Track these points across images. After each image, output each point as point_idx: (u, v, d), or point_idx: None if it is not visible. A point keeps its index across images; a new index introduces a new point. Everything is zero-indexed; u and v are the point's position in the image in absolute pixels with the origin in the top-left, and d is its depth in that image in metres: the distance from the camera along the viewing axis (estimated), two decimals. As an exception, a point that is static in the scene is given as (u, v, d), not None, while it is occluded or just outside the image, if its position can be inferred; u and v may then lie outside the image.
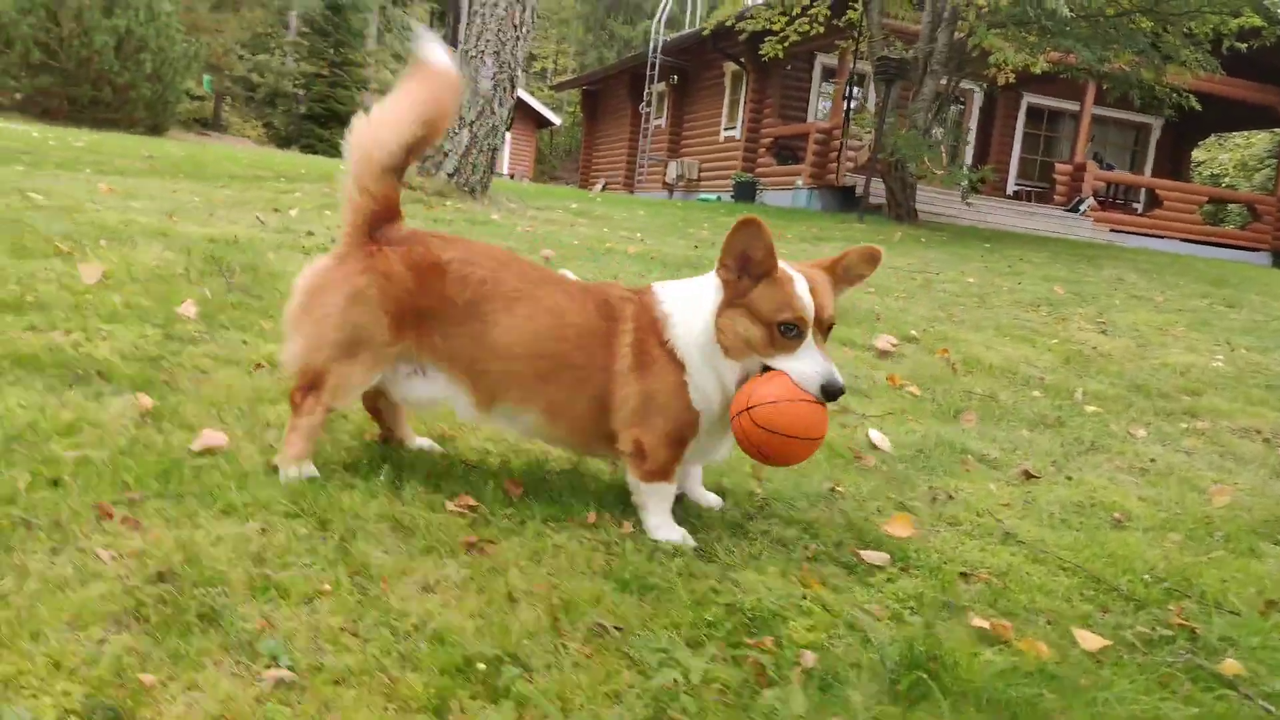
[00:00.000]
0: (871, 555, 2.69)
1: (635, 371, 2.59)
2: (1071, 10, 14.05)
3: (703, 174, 26.48)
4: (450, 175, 10.53)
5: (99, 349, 3.24)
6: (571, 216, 11.27)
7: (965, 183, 16.99)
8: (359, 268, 2.61)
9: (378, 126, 2.62)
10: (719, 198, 23.27)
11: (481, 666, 1.87)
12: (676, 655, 2.04)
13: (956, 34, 15.46)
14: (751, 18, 19.67)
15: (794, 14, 18.51)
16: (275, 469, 2.59)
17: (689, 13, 30.75)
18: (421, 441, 3.04)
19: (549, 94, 47.66)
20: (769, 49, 19.47)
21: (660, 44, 26.74)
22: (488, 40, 10.55)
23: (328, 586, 2.07)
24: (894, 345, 5.63)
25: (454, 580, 2.21)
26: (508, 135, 37.47)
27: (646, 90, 27.40)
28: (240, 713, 1.64)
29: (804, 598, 2.38)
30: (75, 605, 1.84)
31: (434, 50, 2.69)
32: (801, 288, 2.43)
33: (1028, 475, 3.65)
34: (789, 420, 2.39)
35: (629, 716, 1.81)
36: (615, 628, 2.11)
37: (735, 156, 24.72)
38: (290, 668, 1.79)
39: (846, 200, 19.81)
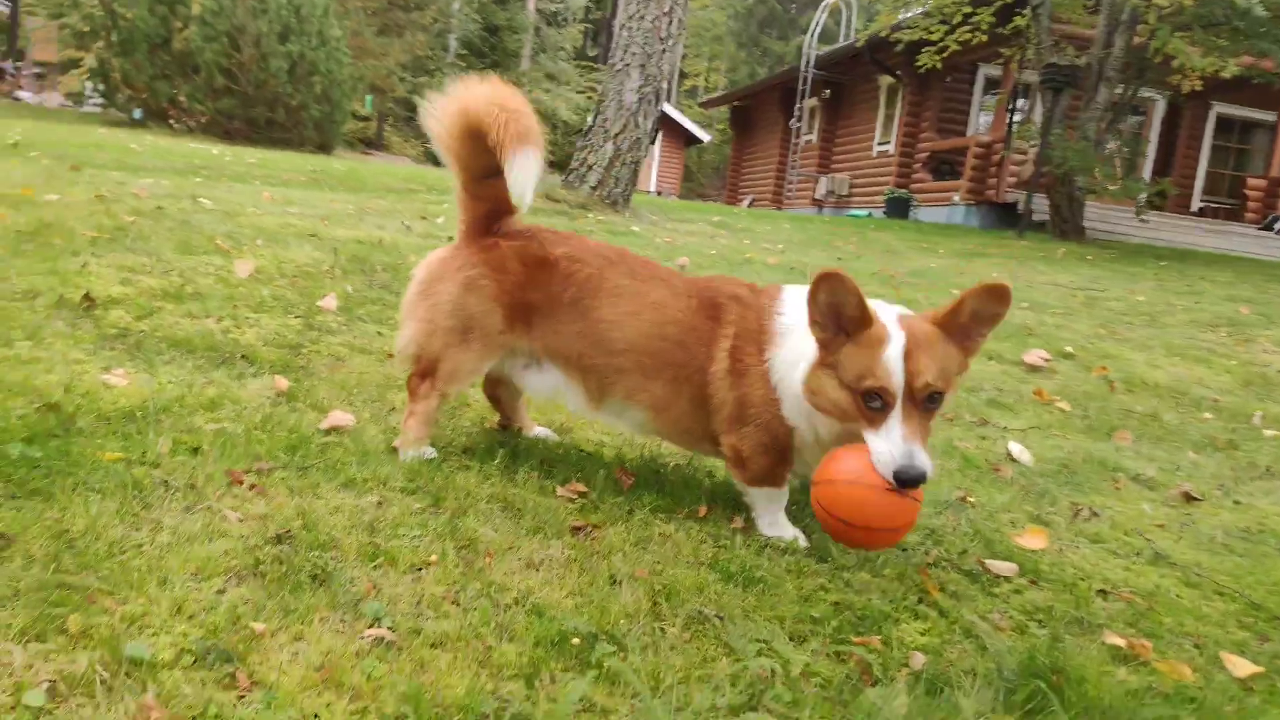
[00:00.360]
0: (999, 565, 2.54)
1: (731, 377, 2.50)
2: (1267, 9, 12.98)
3: (854, 190, 25.97)
4: (593, 188, 10.69)
5: (245, 335, 3.43)
6: (713, 229, 11.26)
7: (1142, 197, 15.96)
8: (474, 259, 2.67)
9: None
10: (869, 214, 22.77)
11: (576, 641, 1.86)
12: (777, 647, 1.98)
13: (1135, 38, 14.60)
14: (909, 28, 19.13)
15: (954, 23, 17.86)
16: (396, 450, 2.67)
17: (843, 25, 30.28)
18: (539, 430, 3.07)
19: (698, 111, 47.94)
20: (926, 60, 18.86)
21: (813, 58, 26.44)
22: (634, 53, 10.68)
23: (434, 557, 2.10)
24: (1045, 360, 5.34)
25: (557, 560, 2.21)
26: (656, 152, 37.97)
27: (797, 105, 27.11)
28: (339, 665, 1.67)
29: (920, 601, 2.26)
30: (201, 558, 1.93)
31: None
32: (891, 350, 2.12)
33: (1188, 497, 3.37)
34: (851, 508, 2.15)
35: (721, 700, 1.75)
36: (716, 616, 2.06)
37: (888, 172, 24.12)
38: (390, 628, 1.82)
39: (1006, 217, 18.98)
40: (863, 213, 23.27)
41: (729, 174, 36.34)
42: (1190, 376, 5.47)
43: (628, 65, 10.83)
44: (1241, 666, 2.09)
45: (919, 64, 19.32)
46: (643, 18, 10.92)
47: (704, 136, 43.18)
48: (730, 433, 2.51)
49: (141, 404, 2.62)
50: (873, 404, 2.15)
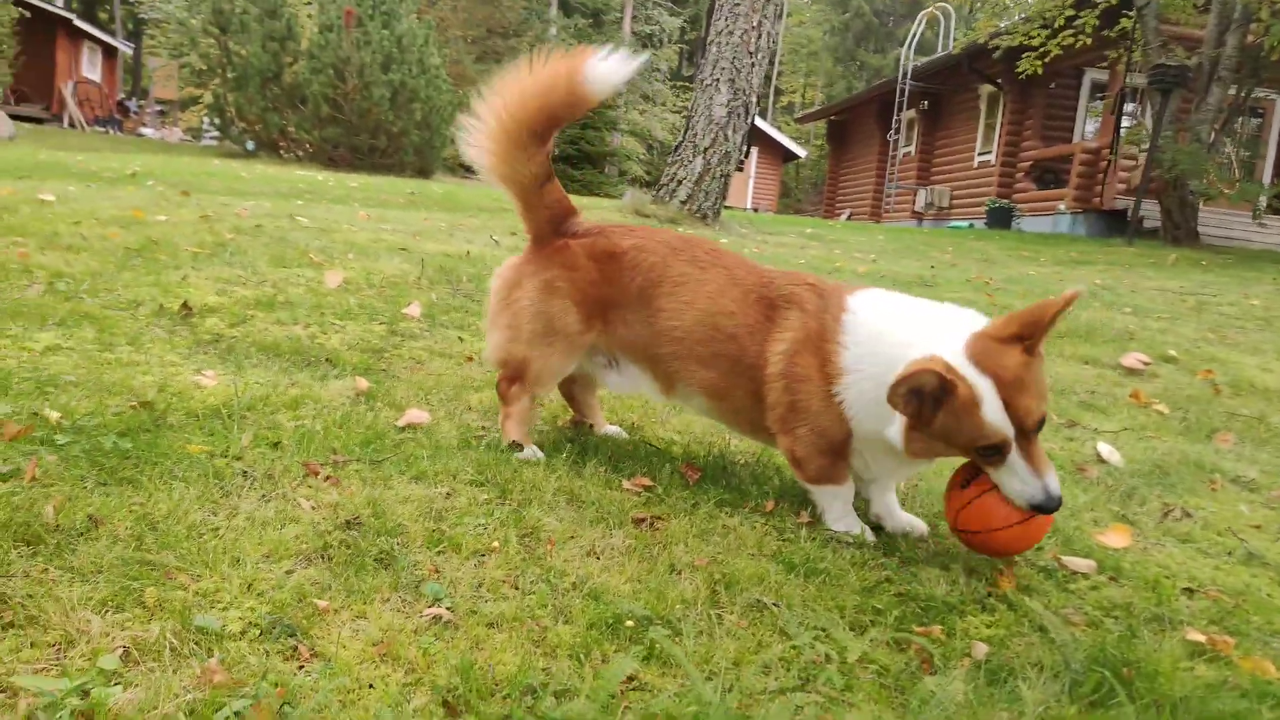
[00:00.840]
0: (1076, 562, 2.45)
1: (784, 379, 2.46)
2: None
3: (954, 201, 25.41)
4: (683, 202, 10.74)
5: (330, 340, 3.58)
6: (804, 240, 11.18)
7: (1261, 200, 15.19)
8: (547, 262, 2.73)
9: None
10: (970, 225, 22.23)
11: (630, 624, 1.88)
12: (834, 634, 1.96)
13: (1249, 37, 13.96)
14: (1008, 34, 18.69)
15: (1056, 26, 17.37)
16: (469, 443, 2.73)
17: (941, 35, 29.75)
18: (611, 429, 3.11)
19: (794, 128, 47.67)
20: (1026, 65, 18.37)
21: (910, 69, 26.05)
22: (723, 68, 10.72)
23: (496, 544, 2.15)
24: (1145, 364, 5.13)
25: (618, 548, 2.23)
26: (751, 169, 37.91)
27: (895, 118, 26.71)
28: (397, 640, 1.73)
29: (989, 595, 2.20)
30: (272, 542, 2.02)
31: None
32: (992, 407, 2.08)
33: (1290, 498, 3.19)
34: (1008, 545, 2.27)
35: (771, 683, 1.74)
36: (774, 604, 2.05)
37: (990, 182, 23.53)
38: (449, 609, 1.87)
39: (1115, 225, 18.26)
40: (964, 224, 22.74)
41: (826, 188, 36.03)
42: (1304, 380, 5.17)
43: (717, 80, 10.87)
44: (1332, 665, 1.98)
45: (1019, 70, 18.83)
46: (732, 33, 10.96)
47: (800, 152, 42.95)
48: (784, 434, 2.50)
49: (227, 402, 2.75)
50: (992, 456, 2.16)
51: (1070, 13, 17.04)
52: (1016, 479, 2.14)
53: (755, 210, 33.08)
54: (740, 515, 2.51)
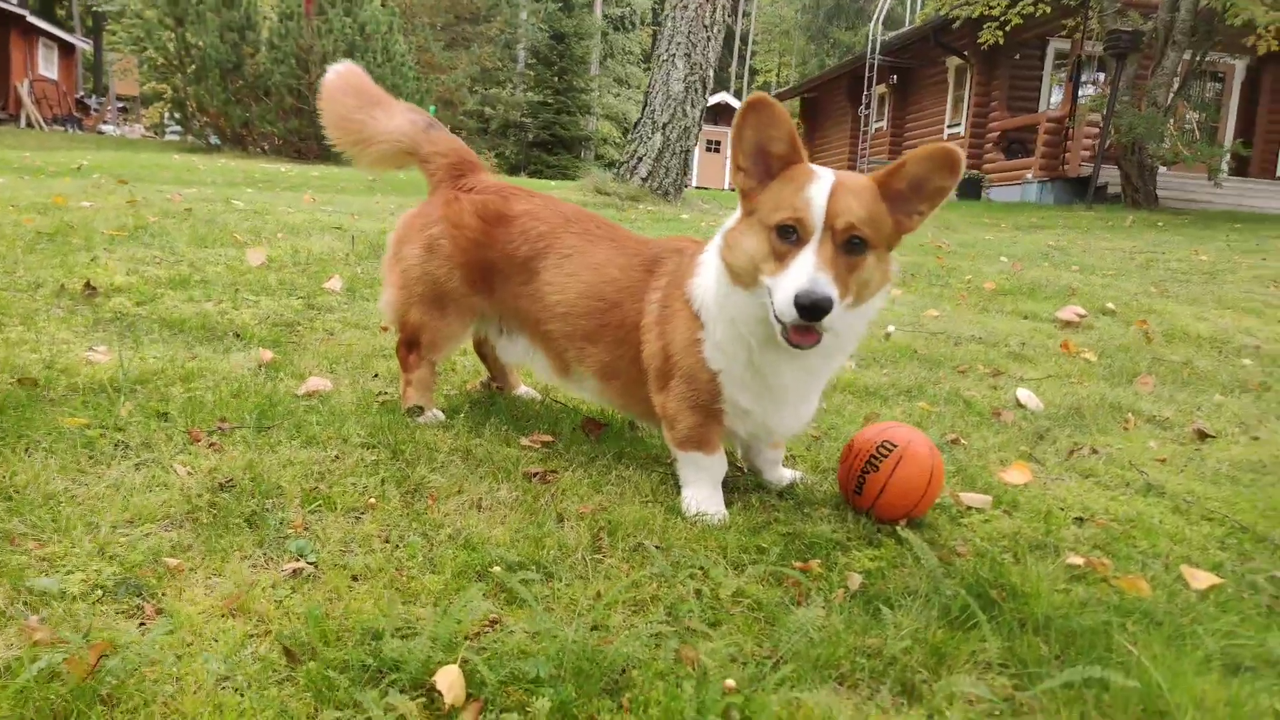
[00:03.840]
0: (972, 498, 2.45)
1: (657, 326, 2.33)
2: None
3: (924, 174, 25.42)
4: (644, 179, 10.69)
5: (242, 315, 3.52)
6: (765, 213, 11.13)
7: (1221, 160, 15.25)
8: (435, 215, 2.64)
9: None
10: (940, 196, 22.22)
11: (497, 569, 1.84)
12: (712, 573, 1.94)
13: (1203, 3, 13.99)
14: (969, 3, 18.68)
15: (1015, -5, 17.40)
16: (368, 409, 2.69)
17: (907, 9, 29.69)
18: (525, 390, 3.07)
19: (769, 107, 47.44)
20: (988, 35, 18.39)
21: (879, 44, 26.00)
22: (679, 43, 10.66)
23: (374, 500, 2.12)
24: (1080, 316, 5.14)
25: (505, 501, 2.20)
26: (726, 150, 37.73)
27: (865, 93, 26.69)
28: (252, 594, 1.70)
29: (878, 531, 2.19)
30: (137, 507, 1.98)
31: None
32: (816, 187, 1.93)
33: (1202, 435, 3.21)
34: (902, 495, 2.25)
35: (639, 621, 1.72)
36: (656, 546, 2.03)
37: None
38: (313, 563, 1.84)
39: (1081, 192, 18.33)
40: (932, 196, 22.72)
41: (798, 166, 35.95)
42: (1237, 327, 5.21)
43: (673, 55, 10.80)
44: (1202, 579, 1.98)
45: (981, 40, 18.85)
46: (686, 7, 10.88)
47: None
48: (660, 391, 2.35)
49: (116, 377, 2.69)
50: (789, 239, 1.93)
51: (1028, -20, 17.07)
52: (791, 276, 1.90)
53: (733, 190, 32.98)
54: (643, 468, 2.49)
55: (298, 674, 1.47)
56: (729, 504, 2.30)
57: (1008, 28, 18.11)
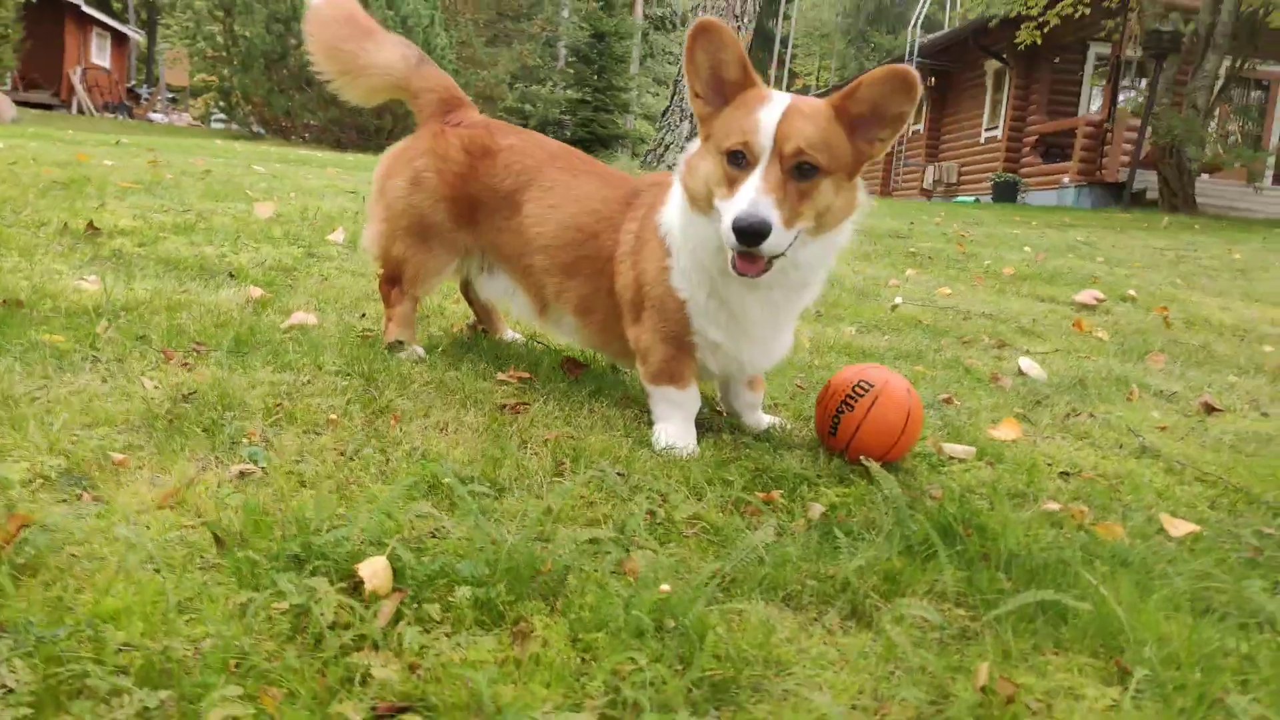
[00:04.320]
0: (955, 449, 2.39)
1: (630, 256, 2.31)
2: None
3: (962, 177, 25.15)
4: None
5: (240, 258, 3.53)
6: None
7: (1269, 165, 14.90)
8: (421, 148, 2.63)
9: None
10: (977, 200, 21.99)
11: (446, 481, 1.81)
12: (670, 498, 1.89)
13: (1245, 7, 13.70)
14: (1005, 3, 18.41)
15: (1054, -5, 17.12)
16: (348, 341, 2.67)
17: (946, 13, 29.43)
18: (512, 335, 3.04)
19: (808, 110, 47.17)
20: (1025, 35, 18.12)
21: (917, 47, 25.77)
22: (708, 31, 10.60)
23: (335, 416, 2.10)
24: (1098, 300, 5.03)
25: (471, 425, 2.17)
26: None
27: (902, 95, 26.46)
28: (193, 490, 1.68)
29: (850, 472, 2.14)
30: (97, 411, 1.97)
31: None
32: (767, 110, 1.90)
33: (1209, 408, 3.11)
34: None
35: (584, 536, 1.68)
36: (618, 473, 1.99)
37: (997, 158, 23.25)
38: (263, 468, 1.82)
39: (1119, 197, 18.03)
40: (970, 199, 22.50)
41: (834, 169, 35.81)
42: (1262, 318, 5.07)
43: (702, 45, 10.76)
44: (1181, 528, 1.91)
45: (1018, 41, 18.59)
46: (715, -4, 10.87)
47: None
48: (633, 323, 2.32)
49: (101, 303, 2.70)
50: (739, 164, 1.90)
51: (1068, -20, 16.81)
52: (734, 202, 1.88)
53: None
54: (611, 403, 2.45)
55: (225, 560, 1.45)
56: (701, 442, 2.26)
57: (1046, 29, 17.83)
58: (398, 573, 1.45)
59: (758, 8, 11.21)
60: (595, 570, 1.55)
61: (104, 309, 2.66)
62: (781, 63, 57.87)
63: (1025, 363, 3.41)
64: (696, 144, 2.12)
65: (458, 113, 2.72)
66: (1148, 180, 15.65)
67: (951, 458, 2.34)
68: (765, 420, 2.47)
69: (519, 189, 2.53)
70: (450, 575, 1.46)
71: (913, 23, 26.89)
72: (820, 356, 3.22)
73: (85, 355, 2.28)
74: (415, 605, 1.39)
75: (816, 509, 1.89)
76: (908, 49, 26.17)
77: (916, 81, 1.91)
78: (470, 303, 3.04)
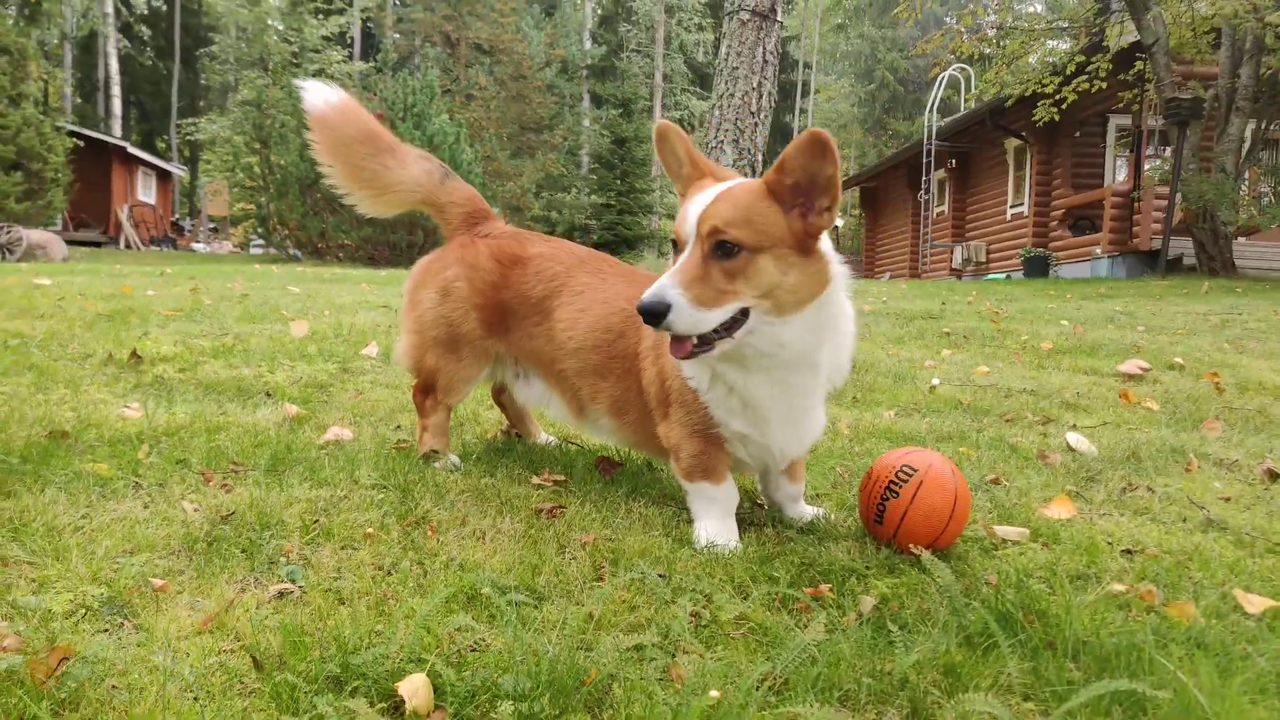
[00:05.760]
0: (1007, 530, 2.31)
1: (651, 352, 2.32)
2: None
3: (991, 255, 25.15)
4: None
5: (276, 377, 3.57)
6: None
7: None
8: (451, 259, 2.68)
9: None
10: (1008, 276, 21.92)
11: (487, 590, 1.77)
12: (715, 598, 1.84)
13: (1265, 70, 13.79)
14: (1020, 82, 18.65)
15: (1068, 72, 17.32)
16: (384, 453, 2.68)
17: (962, 96, 29.92)
18: (545, 438, 3.03)
19: (832, 199, 47.82)
20: (1042, 113, 18.30)
21: (935, 130, 26.13)
22: (726, 130, 10.81)
23: (372, 530, 2.08)
24: (1144, 369, 4.92)
25: (508, 533, 2.15)
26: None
27: (925, 178, 26.71)
28: (232, 613, 1.66)
29: (900, 561, 2.07)
30: (139, 538, 1.97)
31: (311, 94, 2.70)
32: (697, 199, 2.00)
33: (1272, 475, 2.99)
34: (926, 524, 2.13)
35: (627, 643, 1.62)
36: (659, 575, 1.94)
37: (1024, 233, 23.28)
38: (301, 587, 1.80)
39: (1153, 265, 17.88)
40: (1000, 276, 22.44)
41: (864, 251, 35.99)
42: (1319, 376, 4.92)
43: (721, 142, 10.95)
44: (1257, 603, 1.81)
45: (1036, 118, 18.77)
46: (733, 95, 11.10)
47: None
48: (662, 420, 2.31)
49: (144, 430, 2.74)
50: (677, 251, 2.01)
51: (1081, 59, 17.02)
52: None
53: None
54: (648, 501, 2.41)
55: (264, 685, 1.42)
56: (743, 537, 2.20)
57: (1063, 105, 18.01)
58: (438, 690, 1.41)
59: (773, 104, 11.45)
60: (641, 678, 1.50)
61: (145, 435, 2.70)
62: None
63: (1073, 437, 3.32)
64: None
65: (484, 224, 2.77)
66: (1183, 246, 15.54)
67: (1005, 540, 2.26)
68: (809, 512, 2.41)
69: (550, 295, 2.56)
70: (492, 690, 1.42)
71: (929, 107, 27.31)
72: (860, 443, 3.17)
73: (128, 482, 2.30)
74: (458, 724, 1.34)
75: (868, 602, 1.82)
76: (925, 133, 26.55)
77: (829, 141, 1.89)
78: (503, 408, 3.04)
